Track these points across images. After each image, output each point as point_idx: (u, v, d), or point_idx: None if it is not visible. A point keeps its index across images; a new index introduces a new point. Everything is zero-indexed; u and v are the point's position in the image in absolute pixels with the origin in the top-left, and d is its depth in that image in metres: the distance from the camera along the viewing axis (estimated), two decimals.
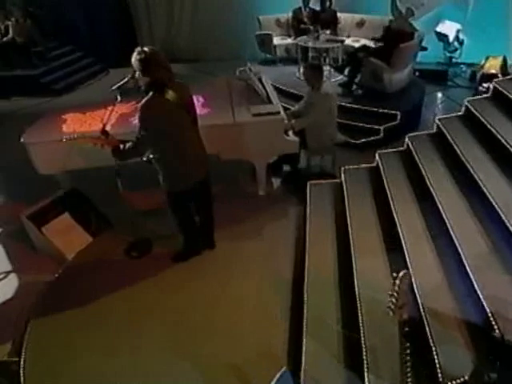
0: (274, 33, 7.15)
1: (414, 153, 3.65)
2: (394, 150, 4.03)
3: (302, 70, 6.50)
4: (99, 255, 3.51)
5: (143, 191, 3.76)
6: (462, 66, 7.37)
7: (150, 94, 2.56)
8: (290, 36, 7.32)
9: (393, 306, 1.45)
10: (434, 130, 4.00)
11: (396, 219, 3.02)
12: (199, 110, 3.75)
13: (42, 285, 3.27)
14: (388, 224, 3.12)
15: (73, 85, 7.86)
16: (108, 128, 2.96)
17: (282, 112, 3.80)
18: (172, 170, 2.81)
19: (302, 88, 5.71)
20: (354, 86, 5.76)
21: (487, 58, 6.44)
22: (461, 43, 7.37)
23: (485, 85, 5.69)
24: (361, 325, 2.39)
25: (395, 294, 1.43)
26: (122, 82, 2.72)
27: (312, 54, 6.57)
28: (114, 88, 2.72)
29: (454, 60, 7.45)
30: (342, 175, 3.93)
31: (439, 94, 6.77)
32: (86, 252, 3.58)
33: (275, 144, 3.78)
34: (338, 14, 7.02)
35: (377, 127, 5.17)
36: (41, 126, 3.91)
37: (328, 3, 6.91)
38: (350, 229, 3.18)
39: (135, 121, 3.89)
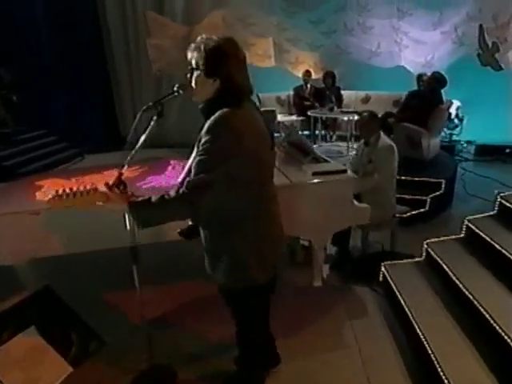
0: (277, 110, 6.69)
1: None
2: (486, 214, 3.13)
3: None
4: None
5: (163, 284, 2.50)
6: (461, 142, 7.24)
7: (220, 111, 1.50)
8: (290, 114, 6.89)
9: None
10: None
11: None
12: None
13: None
14: None
15: (41, 169, 6.72)
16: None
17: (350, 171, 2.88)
18: (252, 243, 1.61)
19: None
20: None
21: None
22: (461, 120, 7.33)
23: None
24: None
25: None
26: (166, 96, 1.67)
27: (319, 132, 6.12)
28: (150, 104, 1.66)
29: (453, 137, 7.35)
30: (430, 251, 2.93)
31: None
32: None
33: (343, 212, 2.76)
34: (342, 92, 6.75)
35: (423, 198, 4.41)
36: (1, 194, 2.70)
37: (331, 81, 6.65)
38: (496, 324, 2.06)
39: (147, 184, 2.87)
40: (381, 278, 3.06)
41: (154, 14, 6.82)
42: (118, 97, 8.10)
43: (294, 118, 6.72)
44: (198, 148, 1.53)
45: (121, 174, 1.71)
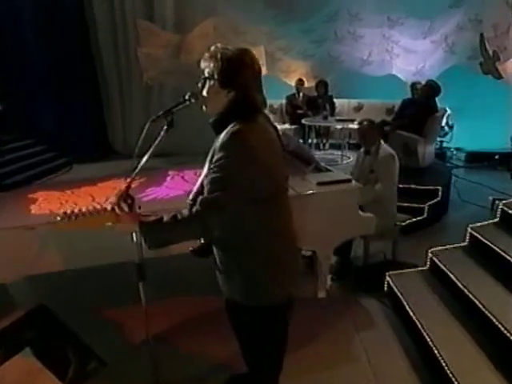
0: None
1: None
2: (488, 222, 3.12)
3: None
4: None
5: (163, 300, 2.40)
6: (451, 149, 7.32)
7: (233, 125, 1.42)
8: (283, 122, 6.88)
9: None
10: None
11: None
12: None
13: None
14: None
15: (28, 180, 6.51)
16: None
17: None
18: (271, 259, 1.53)
19: None
20: None
21: None
22: (451, 127, 7.41)
23: None
24: None
25: None
26: (176, 106, 1.58)
27: (312, 140, 6.12)
28: (160, 114, 1.58)
29: (443, 144, 7.43)
30: (435, 260, 2.90)
31: None
32: None
33: (349, 222, 2.73)
34: (334, 100, 6.77)
35: (421, 206, 4.42)
36: None
37: (324, 89, 6.66)
38: (510, 334, 2.03)
39: (149, 197, 2.77)
40: (385, 288, 3.03)
41: (145, 23, 6.74)
42: (108, 106, 7.95)
43: (286, 126, 6.70)
44: (209, 164, 1.46)
45: (128, 187, 1.62)
